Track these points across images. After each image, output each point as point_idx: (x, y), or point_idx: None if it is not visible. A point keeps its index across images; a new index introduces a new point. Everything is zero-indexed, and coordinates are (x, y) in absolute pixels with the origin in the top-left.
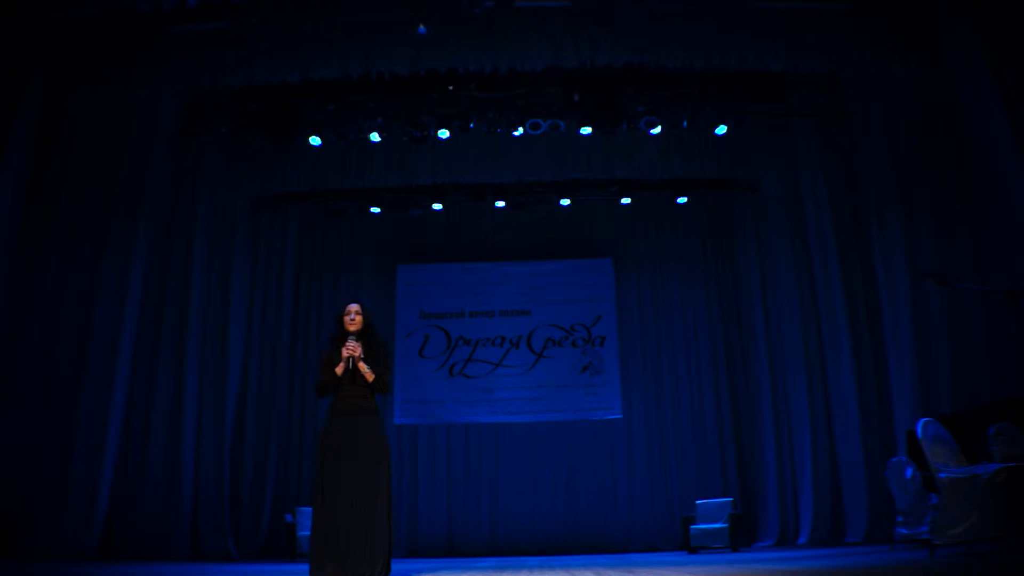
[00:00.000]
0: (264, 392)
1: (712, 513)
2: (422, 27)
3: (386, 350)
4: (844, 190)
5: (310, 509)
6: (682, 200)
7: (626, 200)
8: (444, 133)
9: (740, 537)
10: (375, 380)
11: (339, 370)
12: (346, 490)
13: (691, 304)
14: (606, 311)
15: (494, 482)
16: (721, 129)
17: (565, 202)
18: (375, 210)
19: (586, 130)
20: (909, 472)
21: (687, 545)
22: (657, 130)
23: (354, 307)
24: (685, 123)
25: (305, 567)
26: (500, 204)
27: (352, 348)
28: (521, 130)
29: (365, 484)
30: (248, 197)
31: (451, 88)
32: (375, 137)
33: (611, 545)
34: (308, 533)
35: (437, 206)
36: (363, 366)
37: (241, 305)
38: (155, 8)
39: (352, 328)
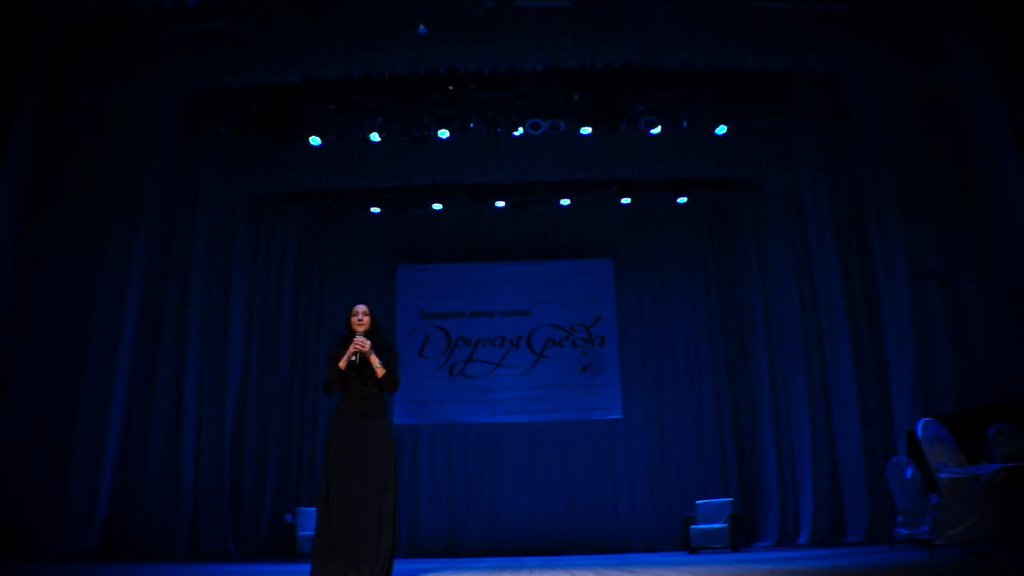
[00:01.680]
0: (264, 392)
1: (712, 513)
2: (422, 27)
3: (395, 350)
4: (844, 190)
5: (310, 509)
6: (682, 200)
7: (626, 200)
8: (444, 133)
9: (740, 537)
10: (384, 377)
11: (343, 364)
12: (351, 490)
13: (691, 304)
14: (606, 311)
15: (494, 482)
16: (721, 129)
17: (565, 202)
18: (375, 210)
19: (586, 130)
20: (909, 472)
21: (687, 545)
22: (657, 130)
23: (362, 308)
24: (685, 123)
25: (305, 567)
26: (500, 204)
27: (361, 343)
28: (521, 130)
29: (371, 484)
30: (248, 197)
31: (451, 88)
32: (375, 137)
33: (611, 545)
34: (308, 533)
35: (437, 206)
36: (375, 359)
37: (241, 305)
38: (155, 8)
39: (360, 329)
